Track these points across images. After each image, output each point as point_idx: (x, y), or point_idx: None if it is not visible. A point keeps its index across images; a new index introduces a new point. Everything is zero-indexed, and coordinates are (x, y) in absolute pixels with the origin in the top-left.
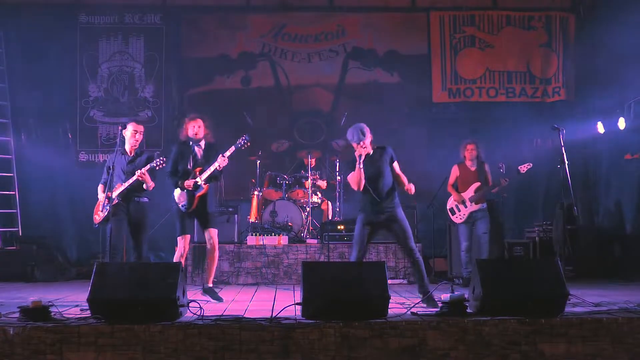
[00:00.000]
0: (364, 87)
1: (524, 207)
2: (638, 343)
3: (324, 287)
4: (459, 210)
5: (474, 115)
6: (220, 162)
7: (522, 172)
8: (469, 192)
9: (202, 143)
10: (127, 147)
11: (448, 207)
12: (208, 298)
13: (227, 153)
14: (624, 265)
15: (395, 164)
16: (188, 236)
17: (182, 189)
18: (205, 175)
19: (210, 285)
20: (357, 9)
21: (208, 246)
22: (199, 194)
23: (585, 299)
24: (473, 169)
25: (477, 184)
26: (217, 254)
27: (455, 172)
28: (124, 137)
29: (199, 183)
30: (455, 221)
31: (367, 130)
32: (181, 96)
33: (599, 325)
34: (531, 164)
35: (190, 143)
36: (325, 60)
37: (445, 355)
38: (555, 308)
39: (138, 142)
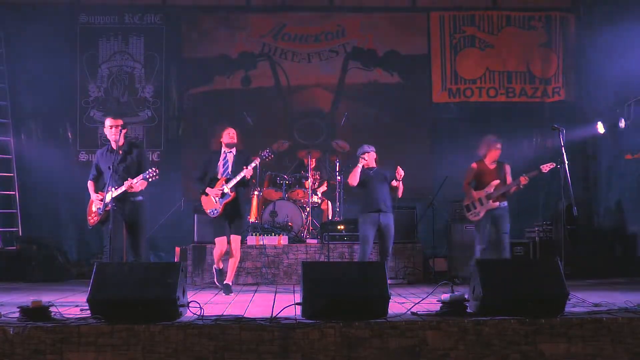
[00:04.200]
0: (364, 87)
1: (524, 207)
2: (638, 343)
3: (324, 287)
4: (475, 208)
5: (474, 115)
6: (246, 172)
7: (544, 171)
8: (488, 190)
9: (234, 150)
10: (112, 145)
11: (464, 204)
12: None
13: (252, 164)
14: (624, 265)
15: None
16: (224, 238)
17: (206, 195)
18: (231, 183)
19: (229, 283)
20: (357, 9)
21: (231, 250)
22: (225, 201)
23: (585, 299)
24: (492, 167)
25: (497, 181)
26: (236, 257)
27: (473, 170)
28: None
29: (225, 191)
30: (470, 219)
31: (372, 148)
32: (181, 96)
33: (599, 325)
34: (554, 164)
35: (223, 150)
36: (325, 60)
37: (445, 355)
38: (555, 308)
39: (116, 137)
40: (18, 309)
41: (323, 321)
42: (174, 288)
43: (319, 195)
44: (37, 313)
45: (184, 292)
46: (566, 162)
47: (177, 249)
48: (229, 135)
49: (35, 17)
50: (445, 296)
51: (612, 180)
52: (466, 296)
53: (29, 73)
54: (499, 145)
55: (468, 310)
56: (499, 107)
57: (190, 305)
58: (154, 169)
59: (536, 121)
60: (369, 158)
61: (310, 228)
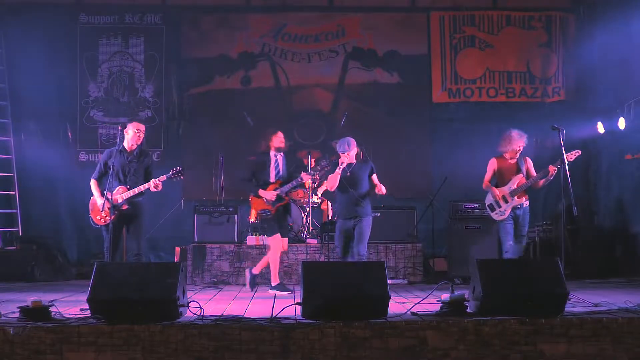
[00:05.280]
0: (364, 87)
1: None
2: (638, 343)
3: (324, 287)
4: (499, 207)
5: (474, 115)
6: (305, 178)
7: (569, 160)
8: (511, 186)
9: (282, 153)
10: (127, 145)
11: (487, 204)
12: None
13: (311, 172)
14: (624, 265)
15: (374, 176)
16: (278, 235)
17: (258, 197)
18: (287, 188)
19: (274, 283)
20: (357, 9)
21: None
22: (279, 204)
23: (585, 299)
24: (513, 161)
25: (520, 175)
26: (269, 256)
27: (492, 165)
28: (123, 136)
29: (281, 195)
30: (495, 218)
31: (352, 143)
32: (181, 96)
33: (599, 325)
34: (580, 152)
35: (273, 154)
36: (325, 60)
37: (445, 355)
38: (555, 308)
39: (140, 141)
40: (18, 309)
41: (323, 321)
42: (174, 288)
43: (319, 195)
44: (37, 313)
45: (184, 292)
46: (566, 162)
47: (177, 249)
48: (280, 140)
49: (35, 17)
50: (445, 296)
51: (612, 180)
52: (466, 296)
53: (29, 73)
54: (525, 139)
55: (468, 310)
56: (499, 107)
57: (190, 305)
58: (177, 168)
59: (536, 121)
60: (349, 157)
61: (310, 228)
